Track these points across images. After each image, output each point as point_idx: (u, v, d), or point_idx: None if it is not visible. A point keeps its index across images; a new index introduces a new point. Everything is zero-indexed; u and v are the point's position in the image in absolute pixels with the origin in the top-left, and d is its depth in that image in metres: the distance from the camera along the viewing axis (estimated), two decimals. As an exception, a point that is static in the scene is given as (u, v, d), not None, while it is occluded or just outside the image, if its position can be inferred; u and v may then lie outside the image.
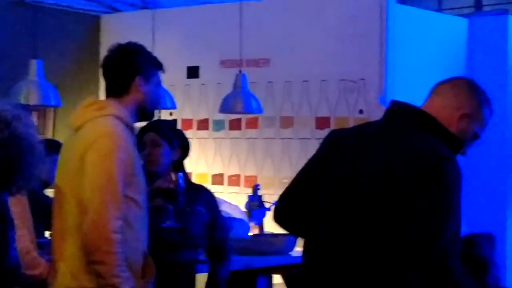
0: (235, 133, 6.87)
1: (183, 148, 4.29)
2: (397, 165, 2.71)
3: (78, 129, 3.39)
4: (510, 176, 7.00)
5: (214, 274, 4.37)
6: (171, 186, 4.13)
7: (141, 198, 3.40)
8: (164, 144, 4.18)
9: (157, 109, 3.67)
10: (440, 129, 2.82)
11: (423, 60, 6.53)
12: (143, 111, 3.50)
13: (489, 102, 2.92)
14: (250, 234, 5.89)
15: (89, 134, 3.33)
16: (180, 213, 4.14)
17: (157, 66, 3.54)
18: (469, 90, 2.92)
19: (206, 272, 4.44)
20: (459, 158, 2.83)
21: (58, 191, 3.42)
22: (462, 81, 2.97)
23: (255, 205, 6.11)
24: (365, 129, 2.96)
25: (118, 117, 3.37)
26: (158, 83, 3.55)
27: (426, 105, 2.91)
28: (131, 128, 3.44)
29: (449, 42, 6.92)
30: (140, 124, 4.08)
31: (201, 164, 6.86)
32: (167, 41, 6.86)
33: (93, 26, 7.62)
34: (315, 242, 2.88)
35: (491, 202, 6.77)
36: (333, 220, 2.82)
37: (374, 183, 2.72)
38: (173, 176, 4.14)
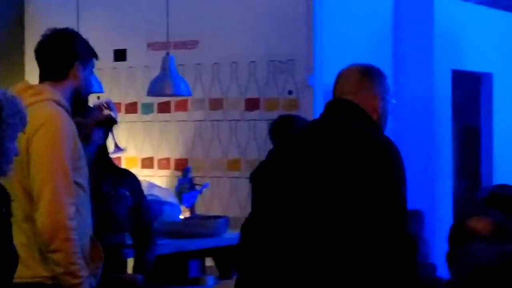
0: (164, 116, 6.82)
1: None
2: (349, 152, 2.84)
3: None
4: (437, 152, 7.11)
5: (140, 258, 4.35)
6: (106, 114, 4.19)
7: (85, 182, 3.38)
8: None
9: (89, 95, 3.70)
10: (370, 120, 3.00)
11: (351, 40, 6.57)
12: (78, 97, 3.51)
13: (382, 72, 3.10)
14: (181, 217, 5.87)
15: (31, 121, 3.27)
16: (105, 194, 4.16)
17: (93, 53, 3.58)
18: (372, 75, 3.06)
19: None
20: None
21: (4, 183, 3.36)
22: (359, 70, 3.08)
23: (186, 188, 6.09)
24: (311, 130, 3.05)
25: (56, 101, 3.34)
26: (92, 70, 3.59)
27: (351, 98, 3.01)
28: (69, 112, 3.42)
29: (375, 20, 6.98)
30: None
31: (130, 148, 6.79)
32: (93, 24, 6.75)
33: (16, 8, 7.47)
34: (262, 229, 2.90)
35: (419, 178, 6.87)
36: (279, 207, 2.86)
37: (326, 174, 2.82)
38: (104, 110, 4.18)
